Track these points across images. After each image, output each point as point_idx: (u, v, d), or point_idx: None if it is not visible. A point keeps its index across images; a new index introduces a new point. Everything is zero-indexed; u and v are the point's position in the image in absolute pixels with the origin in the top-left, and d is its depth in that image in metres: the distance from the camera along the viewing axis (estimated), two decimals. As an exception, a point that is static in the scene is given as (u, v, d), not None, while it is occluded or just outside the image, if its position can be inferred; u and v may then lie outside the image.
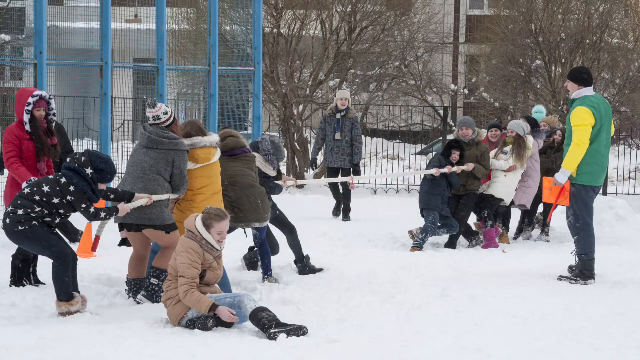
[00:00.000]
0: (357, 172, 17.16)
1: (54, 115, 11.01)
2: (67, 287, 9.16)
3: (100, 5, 16.06)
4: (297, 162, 22.64)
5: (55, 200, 9.16)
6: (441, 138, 24.11)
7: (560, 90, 22.70)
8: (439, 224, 14.16)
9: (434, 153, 14.95)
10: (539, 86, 24.31)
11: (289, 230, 11.94)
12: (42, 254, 9.34)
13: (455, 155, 14.29)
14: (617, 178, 23.19)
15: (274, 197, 11.85)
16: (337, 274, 11.83)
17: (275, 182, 11.63)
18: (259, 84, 19.32)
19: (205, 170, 10.05)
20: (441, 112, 28.05)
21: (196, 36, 21.87)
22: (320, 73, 23.36)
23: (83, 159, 9.22)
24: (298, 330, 8.66)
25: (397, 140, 27.73)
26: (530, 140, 14.64)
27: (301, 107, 22.98)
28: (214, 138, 10.17)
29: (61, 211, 9.22)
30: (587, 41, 23.26)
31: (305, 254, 11.99)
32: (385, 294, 10.59)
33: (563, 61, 23.36)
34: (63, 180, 9.18)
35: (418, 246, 13.88)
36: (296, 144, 22.74)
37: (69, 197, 9.15)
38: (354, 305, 10.07)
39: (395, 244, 14.42)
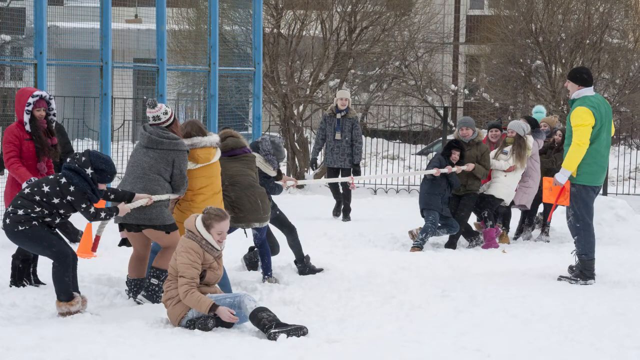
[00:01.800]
0: (357, 172, 17.19)
1: (54, 115, 11.01)
2: (67, 287, 9.16)
3: (100, 5, 16.05)
4: (297, 162, 22.64)
5: (55, 200, 9.16)
6: (441, 138, 24.11)
7: (560, 90, 22.70)
8: (439, 224, 14.16)
9: (434, 153, 14.92)
10: (539, 86, 24.31)
11: (289, 230, 11.93)
12: (42, 254, 9.33)
13: (455, 155, 14.28)
14: (617, 178, 23.19)
15: (274, 197, 11.85)
16: (337, 274, 11.83)
17: (275, 182, 11.63)
18: (259, 84, 19.32)
19: (205, 170, 10.05)
20: (441, 112, 28.06)
21: (196, 36, 21.87)
22: (320, 73, 23.36)
23: (83, 159, 9.22)
24: (298, 330, 8.66)
25: (397, 140, 27.73)
26: (530, 140, 14.64)
27: (301, 107, 22.97)
28: (214, 138, 10.17)
29: (61, 211, 9.22)
30: (587, 41, 23.27)
31: (305, 254, 11.99)
32: (385, 294, 10.59)
33: (563, 61, 23.36)
34: (63, 180, 9.18)
35: (418, 246, 13.88)
36: (296, 144, 22.74)
37: (69, 197, 9.15)
38: (354, 305, 10.07)
39: (395, 244, 14.42)
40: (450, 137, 17.00)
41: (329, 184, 17.27)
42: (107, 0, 15.94)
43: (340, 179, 16.67)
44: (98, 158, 9.28)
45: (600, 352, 8.44)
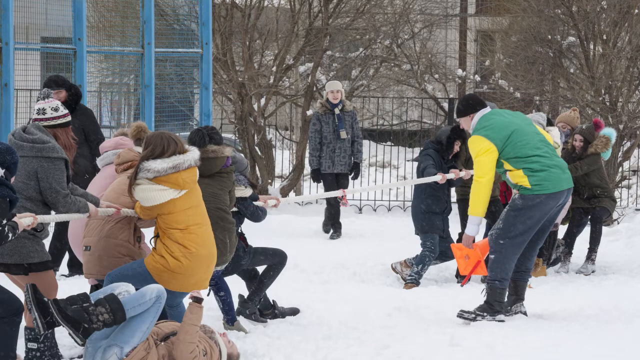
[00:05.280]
0: (357, 173, 18.43)
1: None
2: None
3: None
4: (258, 172, 22.65)
5: None
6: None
7: (601, 75, 22.80)
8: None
9: (421, 150, 14.71)
10: (572, 70, 24.39)
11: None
12: None
13: (457, 147, 14.26)
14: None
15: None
16: (313, 317, 11.85)
17: (253, 202, 11.50)
18: (208, 71, 19.35)
19: (191, 198, 9.74)
20: (445, 105, 28.15)
21: (125, 8, 21.87)
22: (287, 55, 23.40)
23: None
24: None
25: (388, 143, 27.80)
26: (554, 132, 14.37)
27: (263, 100, 23.00)
28: (196, 153, 9.87)
29: None
30: (636, 10, 23.33)
31: (271, 300, 12.03)
32: (377, 343, 10.60)
33: (604, 37, 23.44)
34: None
35: (413, 281, 13.90)
36: (257, 148, 22.75)
37: None
38: (336, 358, 10.08)
39: (388, 277, 14.47)
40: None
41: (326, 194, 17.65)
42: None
43: (332, 194, 16.77)
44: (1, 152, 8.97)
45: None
